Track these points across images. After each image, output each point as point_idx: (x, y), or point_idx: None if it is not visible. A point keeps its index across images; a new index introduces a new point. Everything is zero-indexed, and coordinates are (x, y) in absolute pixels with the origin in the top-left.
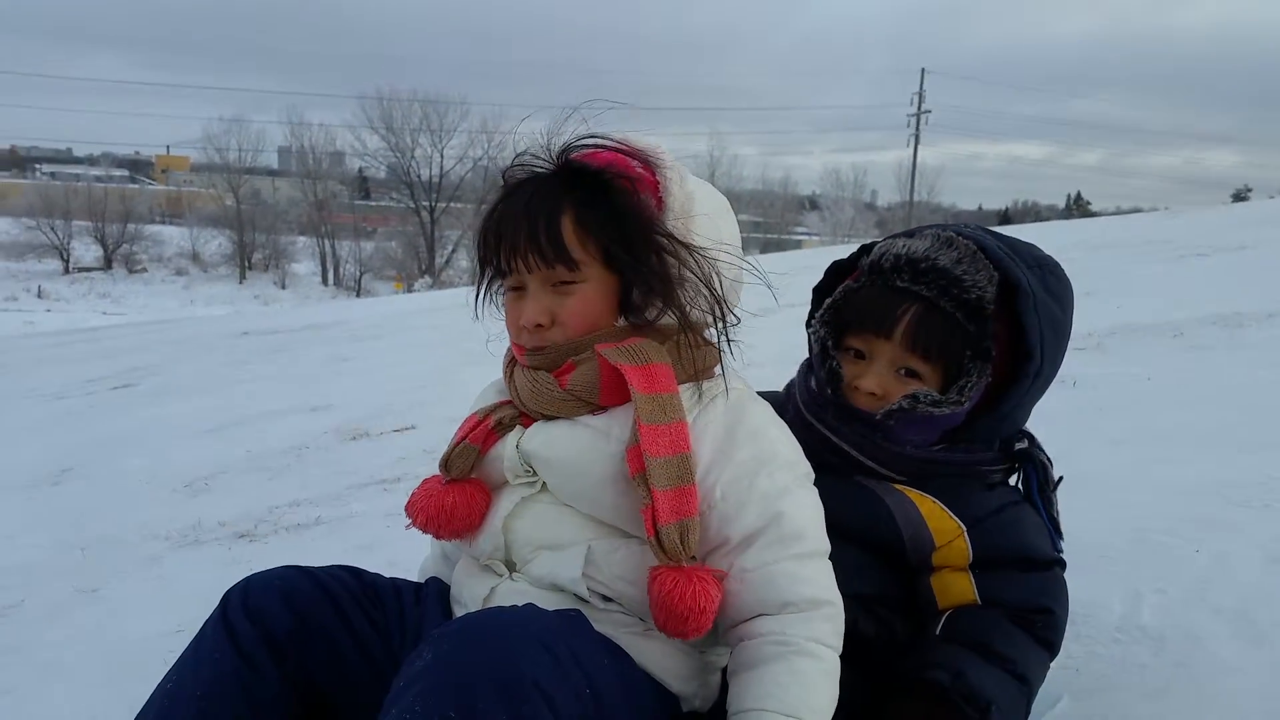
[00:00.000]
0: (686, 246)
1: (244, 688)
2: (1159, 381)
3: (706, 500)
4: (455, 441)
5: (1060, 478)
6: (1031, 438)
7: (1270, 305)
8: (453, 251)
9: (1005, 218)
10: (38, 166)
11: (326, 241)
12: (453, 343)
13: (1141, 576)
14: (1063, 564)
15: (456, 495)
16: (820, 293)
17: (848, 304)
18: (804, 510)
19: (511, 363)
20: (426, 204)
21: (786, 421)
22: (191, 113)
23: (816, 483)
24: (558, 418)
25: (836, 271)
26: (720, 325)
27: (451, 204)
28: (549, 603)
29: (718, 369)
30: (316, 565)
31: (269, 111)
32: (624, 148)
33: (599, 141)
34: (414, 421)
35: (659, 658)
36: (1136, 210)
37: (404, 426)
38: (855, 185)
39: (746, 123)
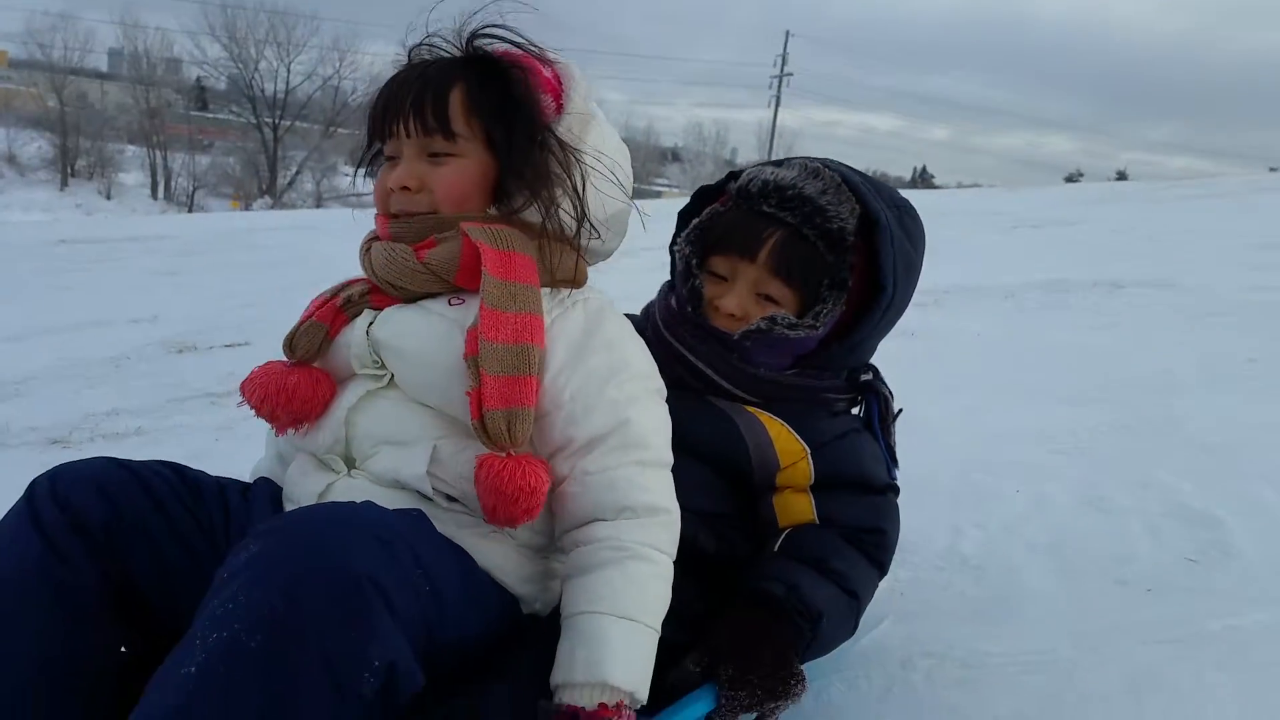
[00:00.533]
0: (565, 148)
1: (51, 578)
2: (989, 337)
3: (554, 400)
4: (301, 320)
5: (900, 410)
6: (876, 371)
7: (1093, 274)
8: (297, 173)
9: None
10: None
11: (158, 152)
12: (292, 262)
13: (964, 512)
14: (896, 490)
15: (300, 377)
16: (685, 216)
17: (714, 226)
18: (651, 420)
19: (369, 239)
20: (270, 120)
21: (644, 340)
22: (12, 3)
23: (670, 399)
24: (410, 299)
25: (702, 196)
26: (579, 230)
27: (297, 123)
28: (390, 500)
29: (584, 287)
30: (136, 459)
31: (100, 9)
32: (534, 48)
33: (511, 37)
34: (248, 338)
35: (500, 559)
36: (977, 186)
37: (237, 342)
38: (716, 141)
39: (614, 67)
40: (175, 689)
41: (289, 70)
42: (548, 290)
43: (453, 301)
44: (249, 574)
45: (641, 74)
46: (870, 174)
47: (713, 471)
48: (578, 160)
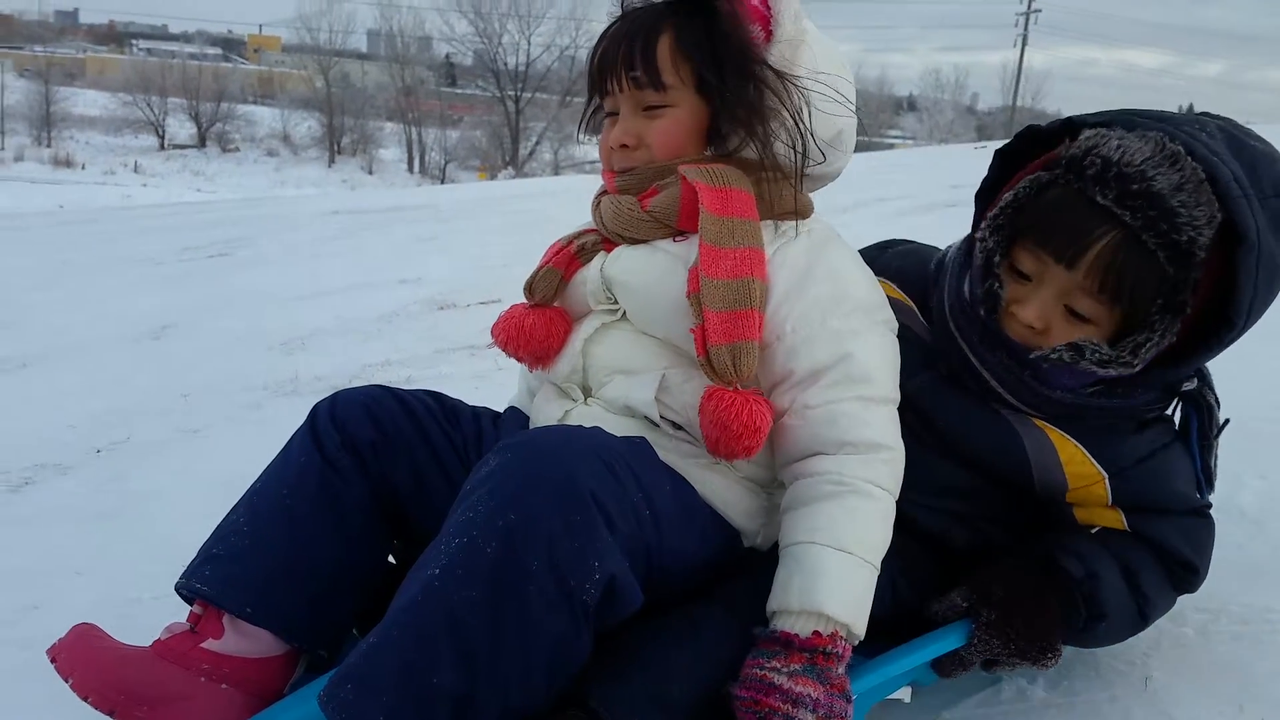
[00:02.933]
0: (780, 76)
1: (327, 487)
2: None
3: (775, 332)
4: (539, 266)
5: (1226, 421)
6: (1203, 376)
7: None
8: (536, 143)
9: None
10: (134, 42)
11: (413, 129)
12: (536, 225)
13: (1243, 462)
14: (1207, 508)
15: (536, 318)
16: (988, 189)
17: (1031, 206)
18: (874, 354)
19: (600, 194)
20: (512, 93)
21: (929, 311)
22: None
23: (945, 392)
24: (639, 241)
25: (1009, 157)
26: (799, 158)
27: (537, 94)
28: (621, 426)
29: (809, 218)
30: (404, 388)
31: None
32: None
33: None
34: (499, 296)
35: (722, 490)
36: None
37: (489, 299)
38: (956, 87)
39: (845, 15)
40: (422, 587)
41: (529, 42)
42: (770, 224)
43: (678, 239)
44: (487, 486)
45: (873, 20)
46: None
47: (984, 480)
48: (796, 86)
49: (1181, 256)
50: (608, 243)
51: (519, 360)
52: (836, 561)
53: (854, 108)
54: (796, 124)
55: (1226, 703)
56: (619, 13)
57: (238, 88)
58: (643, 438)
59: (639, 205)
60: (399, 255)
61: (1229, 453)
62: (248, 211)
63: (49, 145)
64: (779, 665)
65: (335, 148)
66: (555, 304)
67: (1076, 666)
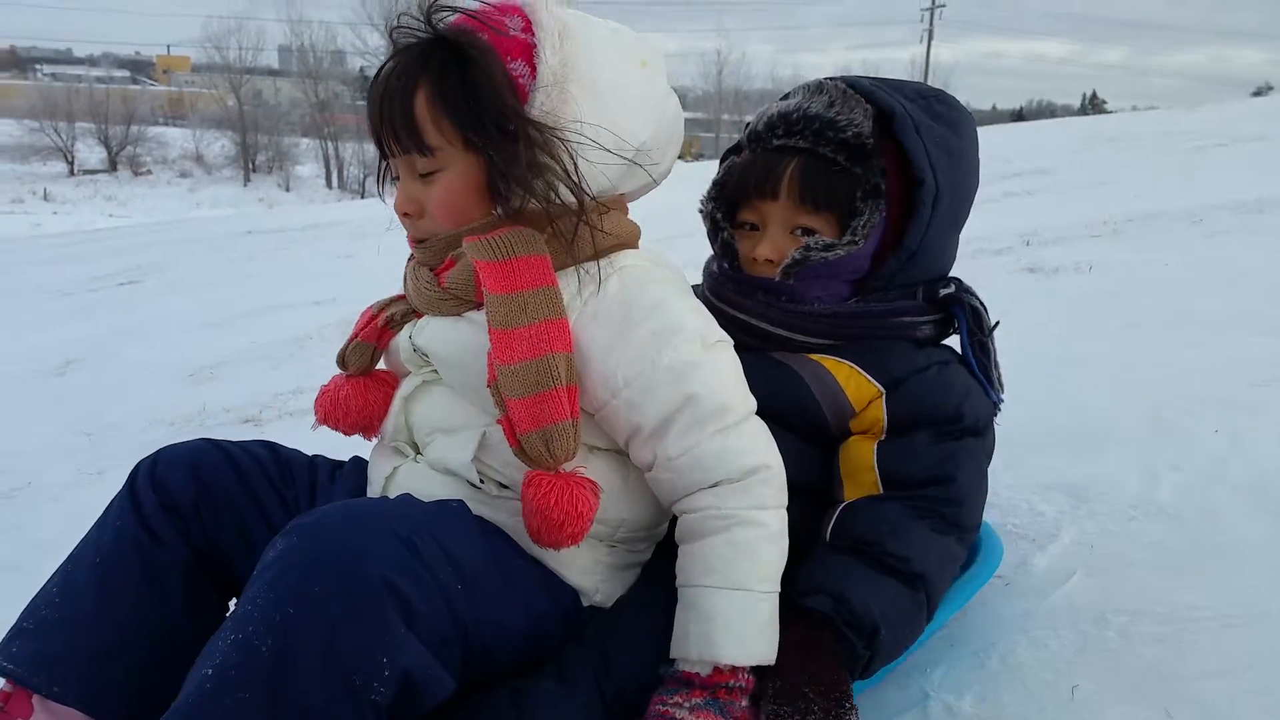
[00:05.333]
0: (542, 130)
1: (143, 553)
2: (1176, 267)
3: (609, 389)
4: (350, 337)
5: (996, 323)
6: (958, 282)
7: None
8: None
9: (1019, 117)
10: (38, 67)
11: (329, 144)
12: None
13: (1158, 455)
14: (977, 433)
15: (351, 389)
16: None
17: (732, 176)
18: (719, 379)
19: (410, 260)
20: None
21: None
22: (191, 10)
23: None
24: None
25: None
26: (580, 211)
27: None
28: (446, 487)
29: (617, 255)
30: (235, 440)
31: (268, 8)
32: (489, 6)
33: (461, 3)
34: None
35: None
36: (1153, 109)
37: None
38: None
39: (759, 18)
40: (195, 688)
41: None
42: (572, 273)
43: (483, 308)
44: (269, 574)
45: (786, 21)
46: (1036, 104)
47: (786, 432)
48: (560, 140)
49: (857, 153)
50: (417, 314)
51: (344, 434)
52: (730, 602)
53: (643, 142)
54: (569, 176)
55: (1153, 708)
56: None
57: (148, 109)
58: (459, 501)
59: (436, 281)
60: (314, 275)
61: (1139, 447)
62: (160, 236)
63: None
64: (680, 700)
65: (250, 166)
66: (375, 370)
67: (1003, 679)
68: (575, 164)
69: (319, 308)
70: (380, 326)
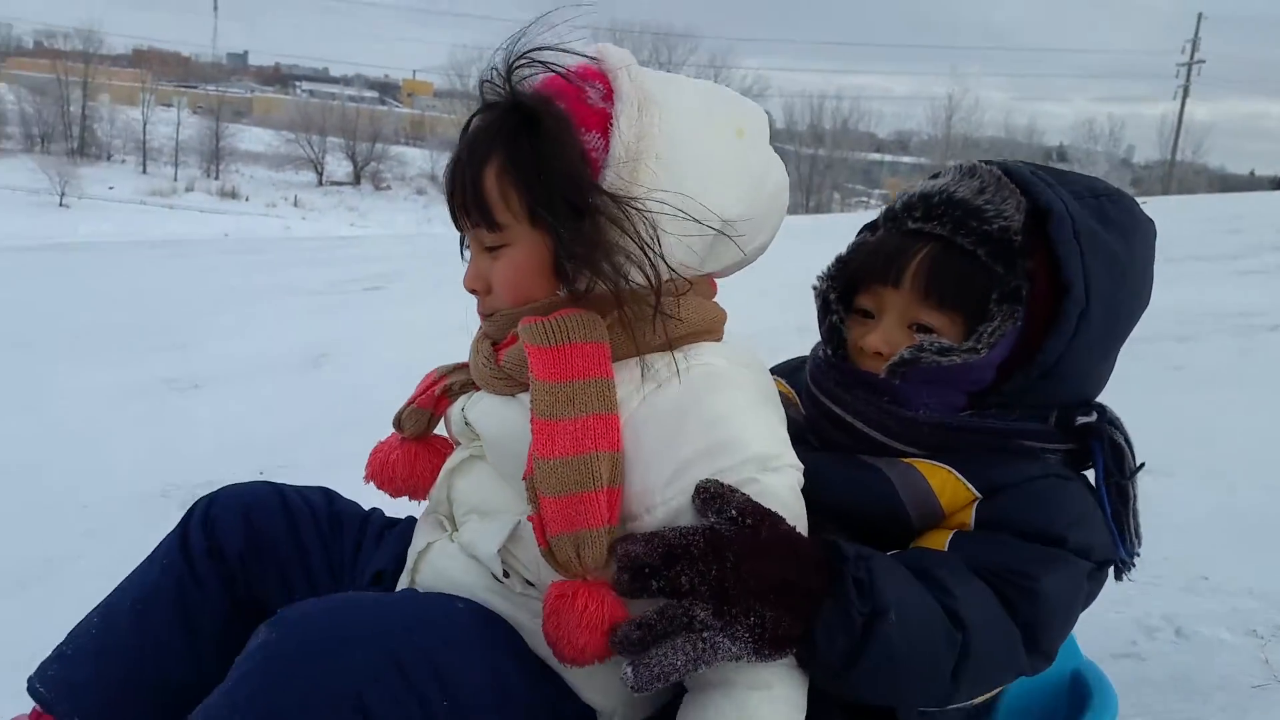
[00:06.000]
0: (618, 202)
1: (184, 596)
2: None
3: (644, 504)
4: (408, 401)
5: (1141, 465)
6: (1104, 411)
7: None
8: None
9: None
10: (298, 84)
11: None
12: None
13: None
14: (1102, 562)
15: (402, 454)
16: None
17: (857, 256)
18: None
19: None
20: None
21: (799, 396)
22: (439, 38)
23: (821, 464)
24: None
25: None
26: (658, 291)
27: None
28: (470, 573)
29: (693, 349)
30: (297, 485)
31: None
32: (573, 69)
33: (546, 59)
34: None
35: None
36: None
37: None
38: (1110, 139)
39: (995, 63)
40: None
41: None
42: (635, 364)
43: None
44: (244, 668)
45: (1027, 68)
46: None
47: (872, 539)
48: (638, 210)
49: (1001, 248)
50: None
51: (390, 495)
52: None
53: (728, 211)
54: (645, 253)
55: None
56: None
57: (391, 129)
58: (466, 603)
59: (495, 357)
60: None
61: None
62: (398, 248)
63: (217, 178)
64: None
65: None
66: (430, 435)
67: None
68: (656, 236)
69: None
70: (438, 394)
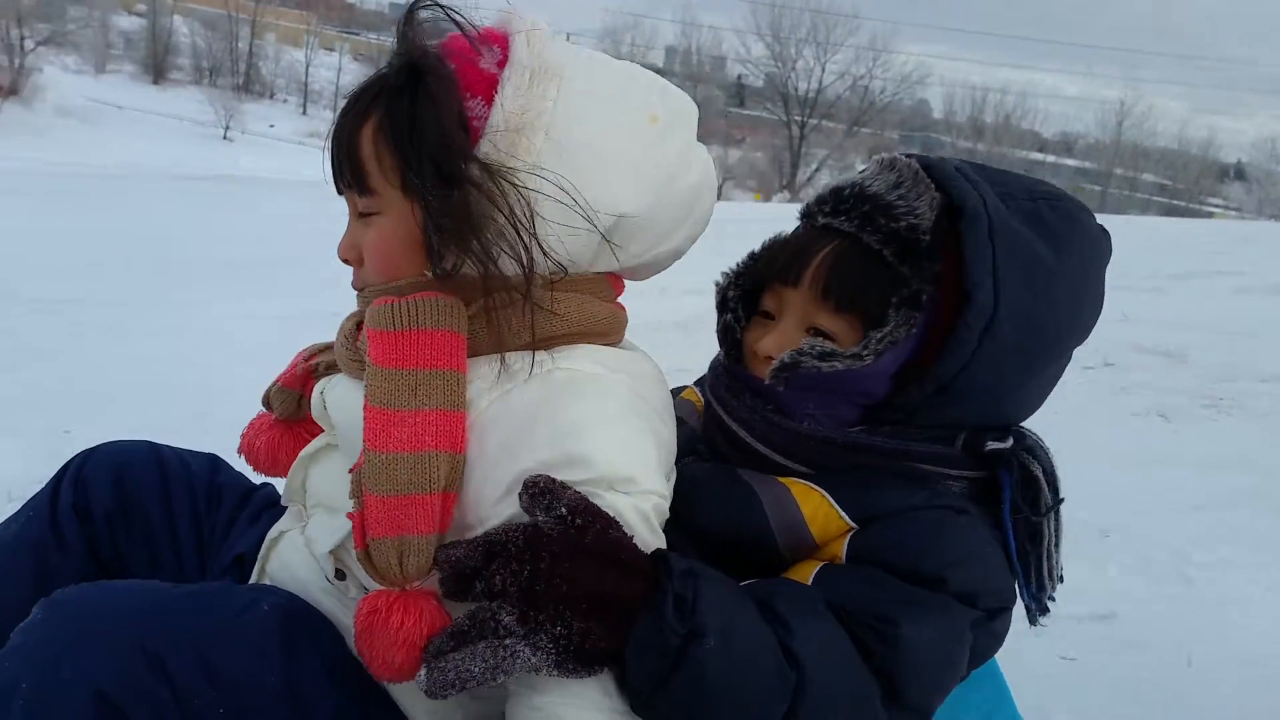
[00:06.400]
0: (491, 174)
1: (40, 555)
2: None
3: (479, 515)
4: (278, 378)
5: (1060, 500)
6: (1025, 438)
7: None
8: (816, 169)
9: None
10: None
11: None
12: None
13: None
14: (969, 603)
15: (269, 435)
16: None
17: (767, 253)
18: None
19: None
20: (798, 118)
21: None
22: (596, 3)
23: (697, 478)
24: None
25: None
26: (529, 276)
27: (824, 121)
28: (311, 569)
29: (575, 346)
30: (184, 449)
31: (664, 8)
32: (477, 30)
33: (455, 13)
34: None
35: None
36: None
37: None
38: None
39: (1175, 71)
40: None
41: (823, 69)
42: (498, 361)
43: None
44: (9, 645)
45: (1208, 79)
46: None
47: (725, 558)
48: (513, 184)
49: (908, 248)
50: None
51: (262, 474)
52: None
53: (618, 215)
54: (518, 234)
55: None
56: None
57: None
58: (276, 604)
59: (354, 336)
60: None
61: None
62: None
63: None
64: None
65: None
66: (302, 417)
67: None
68: (531, 219)
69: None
70: (303, 373)
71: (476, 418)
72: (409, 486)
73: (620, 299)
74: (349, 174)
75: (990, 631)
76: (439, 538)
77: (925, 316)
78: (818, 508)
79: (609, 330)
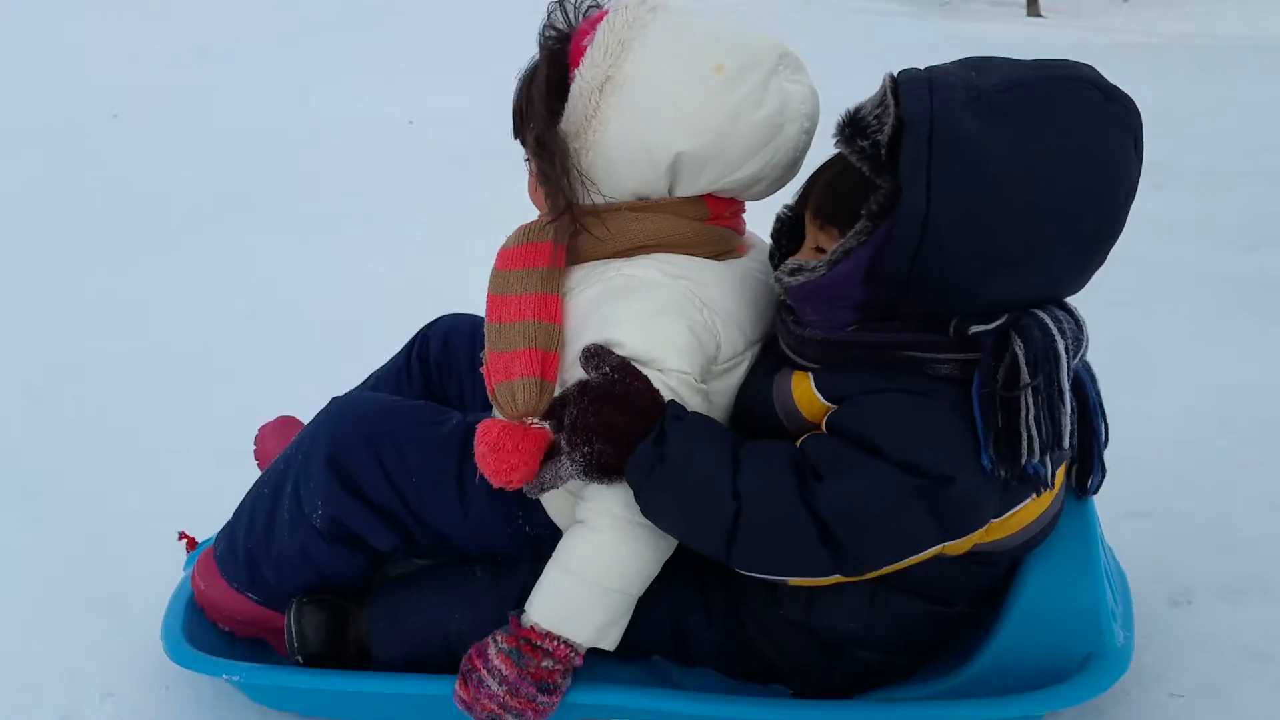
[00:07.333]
0: (539, 140)
1: (398, 381)
2: None
3: (563, 376)
4: None
5: (1036, 380)
6: (1019, 319)
7: None
8: None
9: None
10: None
11: None
12: None
13: None
14: (913, 471)
15: None
16: None
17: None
18: None
19: None
20: None
21: None
22: None
23: (747, 383)
24: None
25: None
26: (570, 217)
27: None
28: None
29: (647, 255)
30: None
31: None
32: (601, 7)
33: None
34: None
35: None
36: None
37: None
38: None
39: None
40: (262, 476)
41: None
42: (591, 265)
43: None
44: (307, 428)
45: None
46: None
47: (756, 436)
48: (563, 151)
49: (875, 164)
50: None
51: None
52: (554, 578)
53: (677, 153)
54: (568, 181)
55: None
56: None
57: None
58: (462, 418)
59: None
60: None
61: None
62: None
63: None
64: (498, 639)
65: None
66: None
67: None
68: (581, 166)
69: None
70: None
71: (568, 306)
72: (512, 343)
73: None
74: (516, 122)
75: (948, 499)
76: (541, 384)
77: (888, 225)
78: (804, 392)
79: (691, 243)
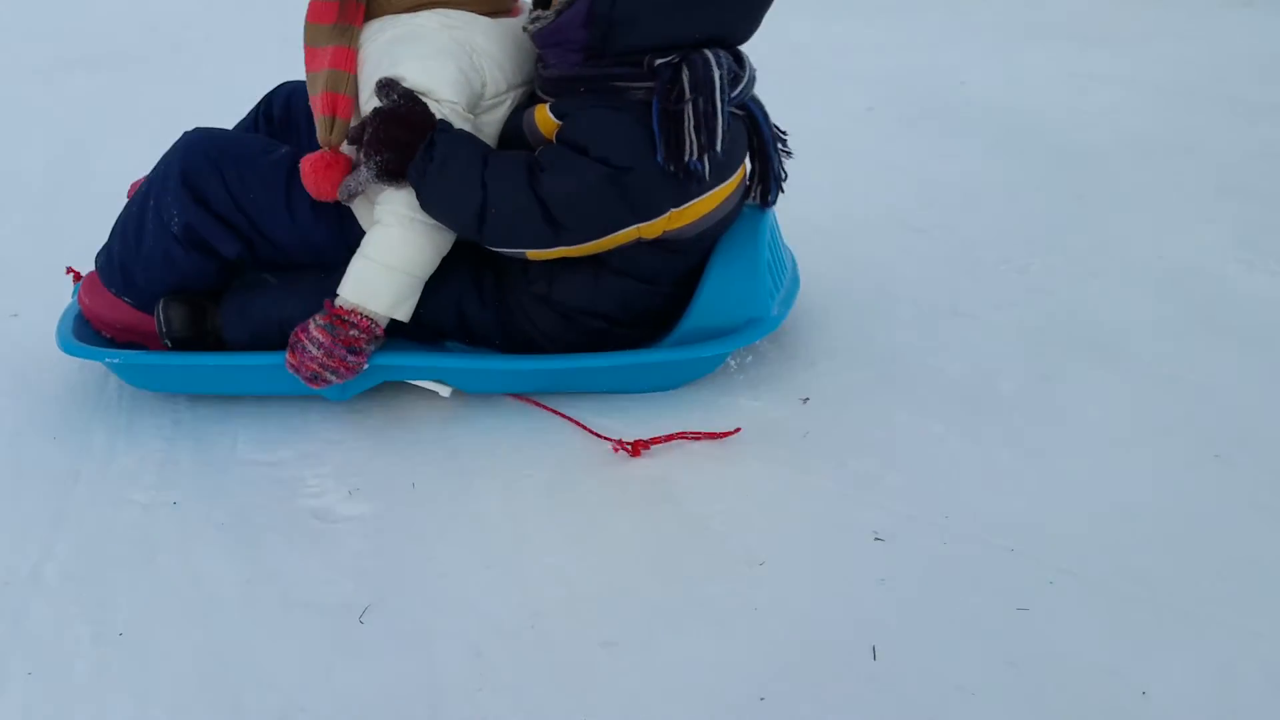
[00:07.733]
0: None
1: (254, 129)
2: None
3: (364, 108)
4: None
5: (693, 97)
6: (691, 55)
7: None
8: None
9: None
10: None
11: None
12: None
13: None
14: (602, 161)
15: None
16: None
17: None
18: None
19: None
20: None
21: None
22: None
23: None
24: None
25: None
26: None
27: None
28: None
29: (432, 10)
30: None
31: None
32: None
33: None
34: None
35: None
36: None
37: None
38: None
39: None
40: (137, 193)
41: None
42: (382, 21)
43: None
44: (162, 156)
45: None
46: None
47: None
48: None
49: None
50: None
51: None
52: (356, 265)
53: None
54: None
55: None
56: None
57: None
58: (286, 149)
59: None
60: None
61: None
62: None
63: None
64: (317, 318)
65: None
66: None
67: None
68: None
69: None
70: None
71: (365, 53)
72: (319, 88)
73: None
74: None
75: (632, 185)
76: (336, 120)
77: None
78: (543, 117)
79: (470, 3)
